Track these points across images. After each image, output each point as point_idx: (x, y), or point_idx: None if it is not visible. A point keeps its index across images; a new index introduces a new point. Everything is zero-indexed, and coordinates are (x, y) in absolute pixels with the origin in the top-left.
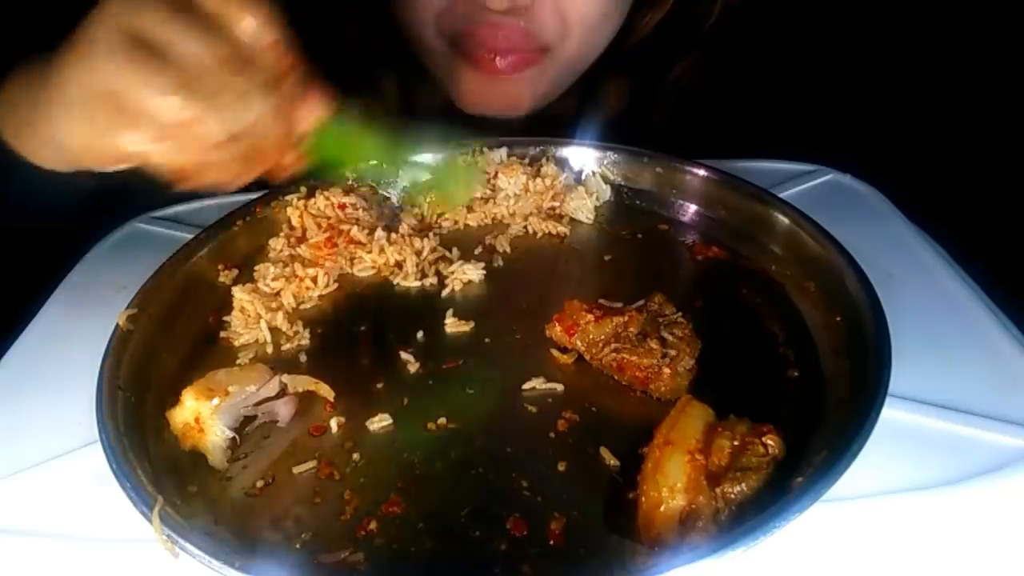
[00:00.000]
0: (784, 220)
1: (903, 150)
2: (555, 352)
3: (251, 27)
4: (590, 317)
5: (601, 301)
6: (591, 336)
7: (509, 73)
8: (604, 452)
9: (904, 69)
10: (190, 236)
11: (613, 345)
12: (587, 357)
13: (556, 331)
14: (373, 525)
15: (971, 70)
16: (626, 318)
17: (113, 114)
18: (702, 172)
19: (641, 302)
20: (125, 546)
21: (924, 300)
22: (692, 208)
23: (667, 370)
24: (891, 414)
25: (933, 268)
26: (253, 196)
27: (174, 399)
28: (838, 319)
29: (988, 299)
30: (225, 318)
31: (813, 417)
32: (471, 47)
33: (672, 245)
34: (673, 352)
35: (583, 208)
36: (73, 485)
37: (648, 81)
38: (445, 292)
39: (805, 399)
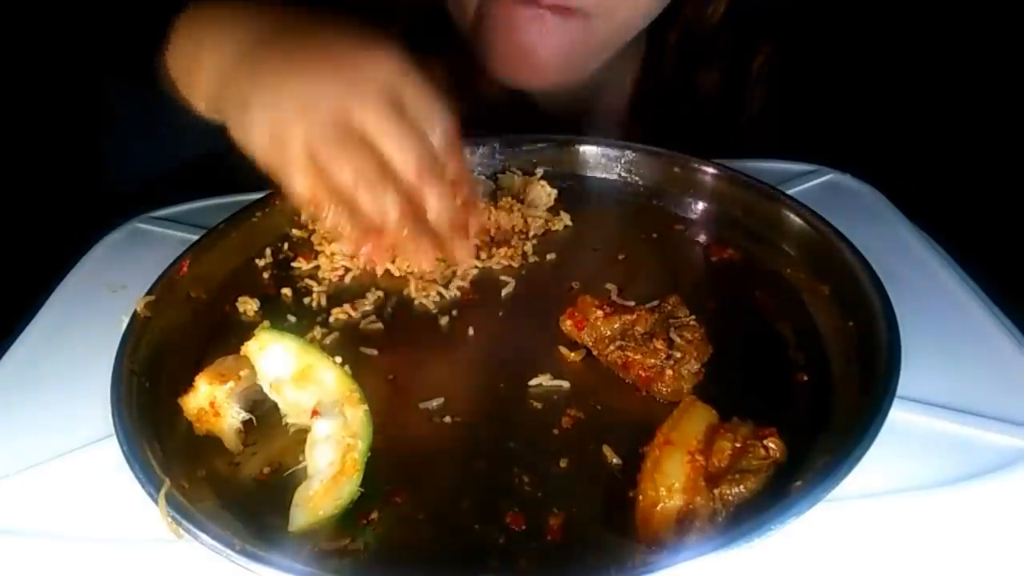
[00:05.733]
0: (800, 223)
1: (903, 150)
2: (563, 349)
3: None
4: (599, 313)
5: (615, 299)
6: (599, 332)
7: (535, 20)
8: (606, 450)
9: (903, 68)
10: (191, 236)
11: (619, 342)
12: (594, 352)
13: (567, 325)
14: (374, 515)
15: (971, 69)
16: (635, 316)
17: (300, 159)
18: (720, 172)
19: (655, 302)
20: (127, 544)
21: (924, 300)
22: (708, 209)
23: (669, 371)
24: (892, 414)
25: (933, 268)
26: (256, 196)
27: (186, 386)
28: (850, 324)
29: (988, 299)
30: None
31: (819, 422)
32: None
33: (687, 245)
34: (679, 354)
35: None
36: (71, 485)
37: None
38: (455, 285)
39: (813, 403)
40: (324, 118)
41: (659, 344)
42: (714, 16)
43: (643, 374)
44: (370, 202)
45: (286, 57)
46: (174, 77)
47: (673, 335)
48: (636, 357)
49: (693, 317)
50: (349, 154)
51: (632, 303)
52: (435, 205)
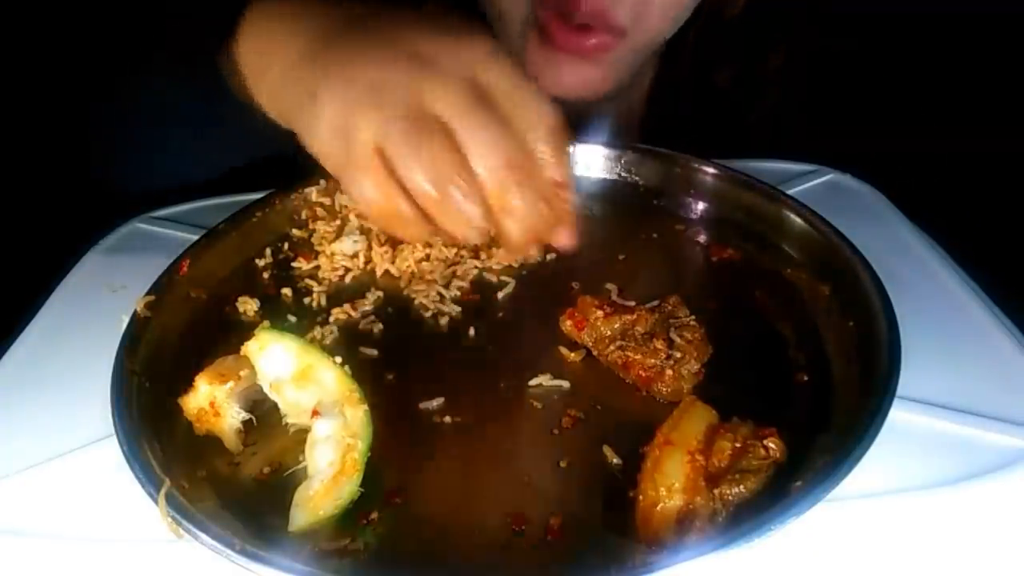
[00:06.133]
0: (800, 223)
1: (903, 150)
2: (563, 350)
3: (546, 137)
4: (600, 313)
5: (615, 299)
6: (599, 332)
7: (585, 54)
8: (607, 450)
9: (904, 69)
10: (190, 236)
11: (619, 342)
12: (594, 352)
13: (567, 325)
14: (374, 515)
15: (971, 69)
16: (635, 317)
17: (372, 166)
18: (720, 173)
19: (655, 302)
20: (127, 544)
21: (924, 300)
22: (709, 209)
23: (669, 372)
24: (892, 414)
25: (933, 268)
26: (260, 194)
27: (186, 386)
28: (850, 324)
29: (988, 299)
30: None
31: (819, 422)
32: (552, 27)
33: (687, 245)
34: (679, 354)
35: None
36: (71, 485)
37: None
38: (455, 285)
39: (813, 403)
40: (396, 106)
41: (659, 344)
42: (734, 11)
43: (643, 374)
44: (445, 212)
45: (359, 46)
46: (244, 74)
47: (673, 335)
48: (636, 357)
49: (693, 317)
50: (424, 150)
51: (632, 303)
52: (519, 214)
